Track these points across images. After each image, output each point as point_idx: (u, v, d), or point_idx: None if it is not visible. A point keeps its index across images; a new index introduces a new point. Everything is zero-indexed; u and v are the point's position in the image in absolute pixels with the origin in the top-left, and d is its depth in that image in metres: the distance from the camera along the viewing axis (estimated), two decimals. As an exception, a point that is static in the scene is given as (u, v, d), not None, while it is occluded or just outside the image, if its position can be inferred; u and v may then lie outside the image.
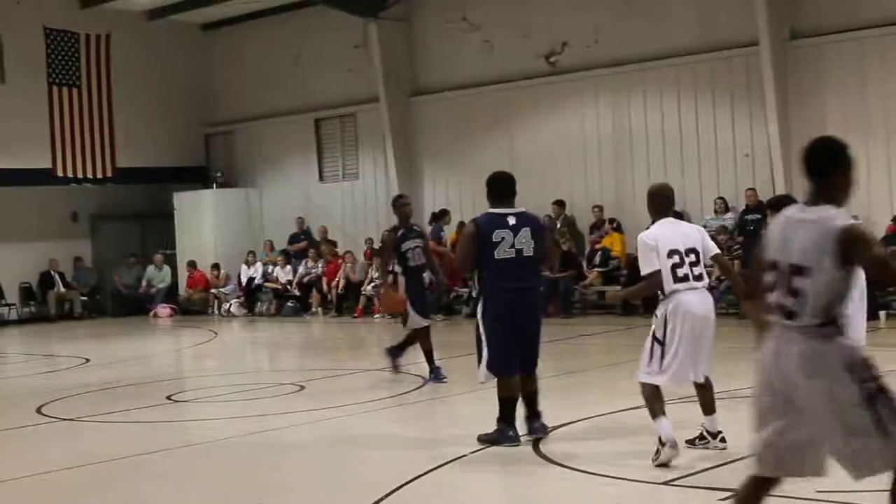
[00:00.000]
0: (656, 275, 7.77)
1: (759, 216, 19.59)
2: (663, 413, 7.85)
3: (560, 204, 21.80)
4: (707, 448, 8.08)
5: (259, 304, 25.67)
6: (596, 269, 20.94)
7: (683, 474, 7.49)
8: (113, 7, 26.04)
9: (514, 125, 23.32)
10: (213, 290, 26.50)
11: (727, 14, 20.13)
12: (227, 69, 28.42)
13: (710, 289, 19.07)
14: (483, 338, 8.79)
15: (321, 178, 27.01)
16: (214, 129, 29.07)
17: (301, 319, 24.09)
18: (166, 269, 27.47)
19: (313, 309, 24.42)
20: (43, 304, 26.97)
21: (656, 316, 7.94)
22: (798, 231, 4.73)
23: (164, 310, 26.55)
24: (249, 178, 28.33)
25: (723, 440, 8.06)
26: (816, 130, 19.93)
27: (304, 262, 25.15)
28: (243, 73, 27.98)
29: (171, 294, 27.20)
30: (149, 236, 28.54)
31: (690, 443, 8.15)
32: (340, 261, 24.16)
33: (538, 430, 8.89)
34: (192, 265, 26.90)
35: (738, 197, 20.25)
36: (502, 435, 8.68)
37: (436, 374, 12.38)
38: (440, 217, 22.64)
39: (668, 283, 7.77)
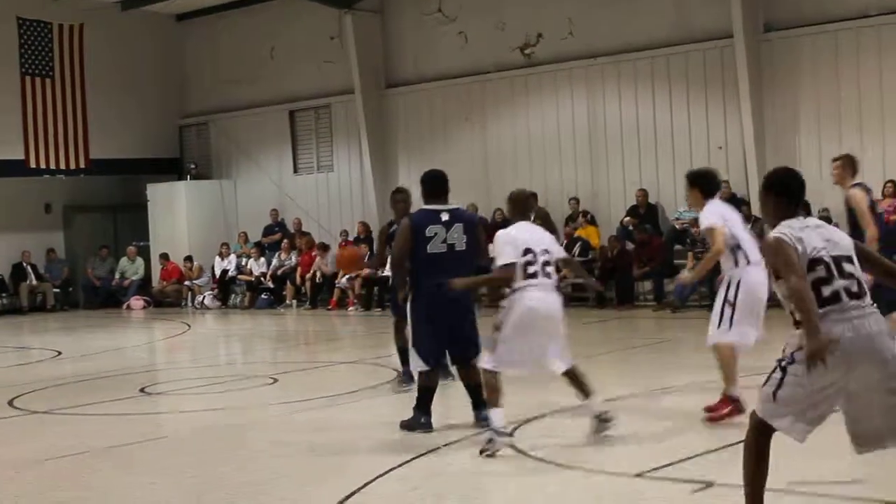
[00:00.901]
0: (511, 267, 8.21)
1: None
2: (498, 404, 8.21)
3: (533, 196, 21.79)
4: (599, 431, 8.33)
5: (233, 296, 25.66)
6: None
7: (655, 466, 7.53)
8: (86, -4, 25.95)
9: (490, 117, 23.34)
10: (186, 283, 26.44)
11: (701, 6, 20.20)
12: (202, 60, 28.35)
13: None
14: (410, 329, 9.20)
15: (296, 169, 26.97)
16: (188, 121, 28.97)
17: (275, 312, 24.06)
18: (139, 260, 27.37)
19: (287, 301, 24.39)
20: (15, 296, 26.83)
21: (502, 307, 8.29)
22: (830, 231, 5.48)
23: (137, 302, 26.49)
24: (224, 169, 28.28)
25: (607, 420, 8.31)
26: (790, 122, 20.19)
27: (277, 255, 25.12)
28: (218, 65, 27.93)
29: (144, 286, 27.14)
30: (122, 228, 28.46)
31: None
32: (314, 253, 24.14)
33: (485, 420, 8.97)
34: (164, 257, 26.82)
35: (712, 189, 20.33)
36: (415, 421, 9.06)
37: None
38: None
39: (519, 279, 8.20)
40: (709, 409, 8.70)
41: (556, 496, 7.15)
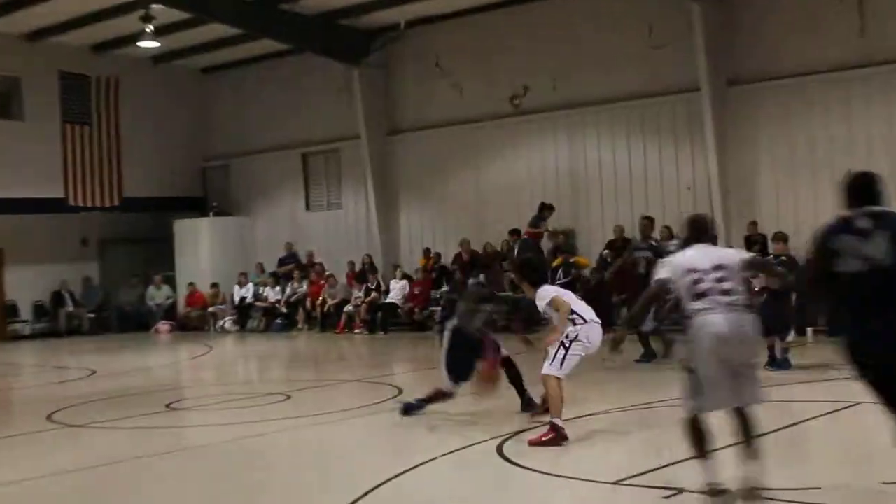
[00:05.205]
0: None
1: (700, 243, 19.63)
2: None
3: (515, 233, 21.63)
4: None
5: (250, 321, 25.54)
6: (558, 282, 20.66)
7: (631, 475, 7.46)
8: (122, 53, 25.97)
9: (482, 161, 23.33)
10: (210, 308, 26.34)
11: (671, 62, 20.19)
12: (225, 108, 28.37)
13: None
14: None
15: (307, 207, 26.93)
16: (212, 163, 28.95)
17: (288, 335, 23.96)
18: (165, 288, 27.31)
19: (299, 326, 24.31)
20: (54, 321, 26.75)
21: None
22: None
23: (164, 326, 26.37)
24: (243, 207, 28.24)
25: None
26: (750, 166, 20.17)
27: (290, 283, 25.06)
28: (239, 112, 27.93)
29: (170, 312, 27.03)
30: (151, 259, 28.30)
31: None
32: (323, 283, 24.09)
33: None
34: (192, 286, 26.75)
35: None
36: None
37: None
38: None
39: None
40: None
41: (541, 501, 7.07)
